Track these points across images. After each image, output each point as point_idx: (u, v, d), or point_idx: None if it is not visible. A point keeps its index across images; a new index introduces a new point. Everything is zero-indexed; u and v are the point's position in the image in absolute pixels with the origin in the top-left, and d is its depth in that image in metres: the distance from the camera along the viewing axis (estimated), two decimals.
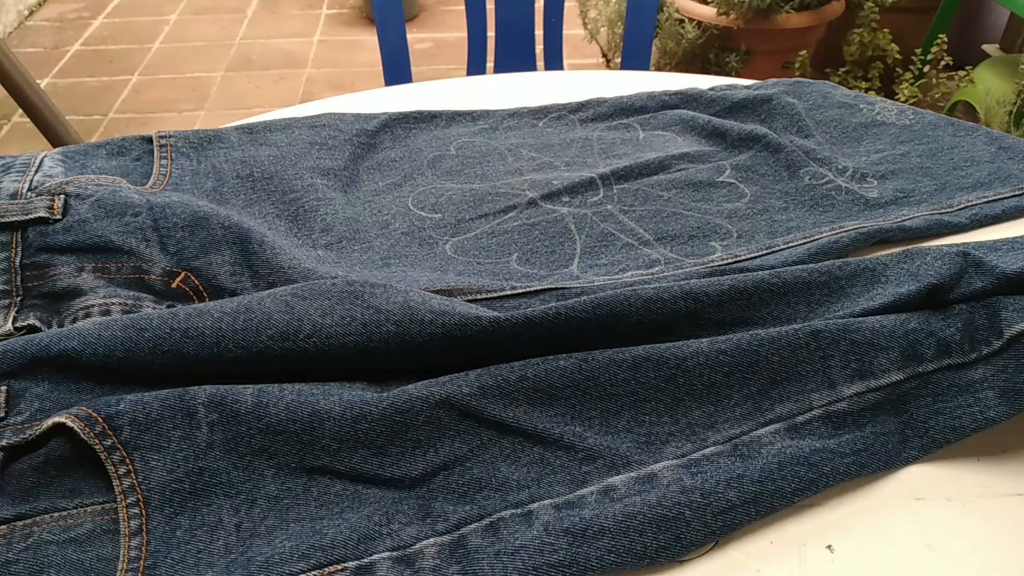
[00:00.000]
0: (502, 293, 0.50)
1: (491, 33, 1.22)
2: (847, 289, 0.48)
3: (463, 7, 1.23)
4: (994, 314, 0.45)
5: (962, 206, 0.59)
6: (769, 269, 0.52)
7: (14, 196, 0.52)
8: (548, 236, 0.58)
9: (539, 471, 0.40)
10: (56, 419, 0.40)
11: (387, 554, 0.37)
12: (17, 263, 0.50)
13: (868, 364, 0.44)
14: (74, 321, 0.49)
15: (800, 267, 0.48)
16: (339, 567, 0.36)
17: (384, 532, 0.38)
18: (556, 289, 0.50)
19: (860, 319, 0.45)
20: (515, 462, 0.40)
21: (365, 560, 0.37)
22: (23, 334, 0.48)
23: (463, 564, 0.36)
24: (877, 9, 1.92)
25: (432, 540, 0.37)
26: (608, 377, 0.42)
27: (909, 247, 0.49)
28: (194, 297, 0.52)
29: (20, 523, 0.38)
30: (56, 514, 0.38)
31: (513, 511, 0.39)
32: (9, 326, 0.49)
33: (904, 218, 0.58)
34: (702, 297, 0.45)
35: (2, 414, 0.42)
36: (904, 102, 0.74)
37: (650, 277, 0.52)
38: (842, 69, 1.99)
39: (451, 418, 0.41)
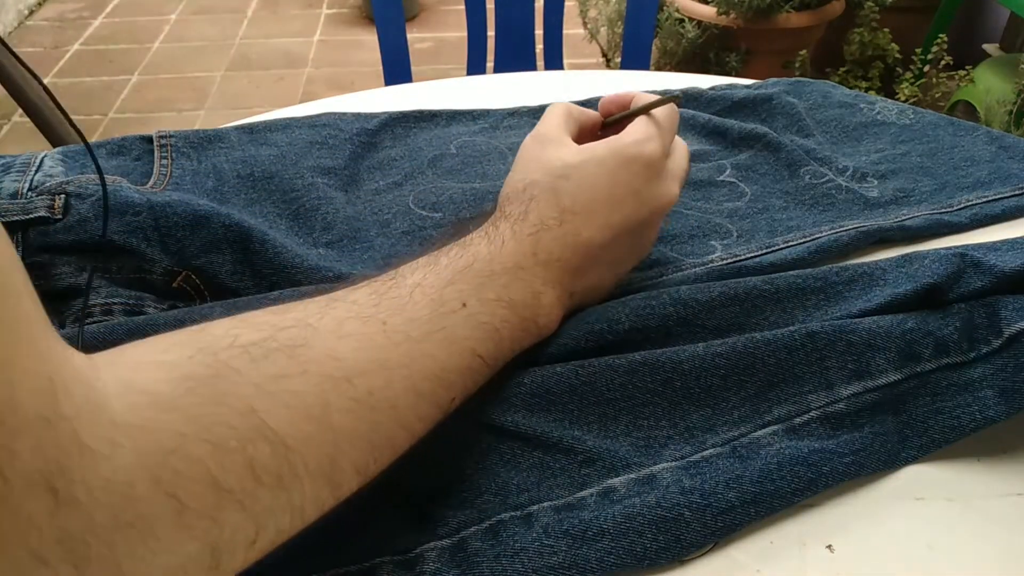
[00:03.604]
0: None
1: (491, 33, 1.22)
2: (844, 294, 0.47)
3: (463, 7, 1.23)
4: (993, 313, 0.45)
5: (962, 206, 0.59)
6: (768, 268, 0.52)
7: (14, 196, 0.52)
8: None
9: (539, 474, 0.40)
10: None
11: (388, 559, 0.37)
12: None
13: (865, 364, 0.43)
14: (75, 321, 0.49)
15: (795, 273, 0.48)
16: (339, 570, 0.36)
17: (385, 537, 0.38)
18: None
19: (857, 320, 0.45)
20: (515, 467, 0.40)
21: (366, 564, 0.37)
22: None
23: (464, 568, 0.36)
24: (877, 9, 1.92)
25: (432, 544, 0.37)
26: (605, 382, 0.42)
27: (907, 253, 0.49)
28: (195, 296, 0.52)
29: None
30: None
31: (513, 513, 0.38)
32: None
33: (904, 217, 0.58)
34: (691, 303, 0.45)
35: None
36: (904, 102, 0.74)
37: (649, 277, 0.52)
38: (842, 69, 1.99)
39: (450, 423, 0.41)
